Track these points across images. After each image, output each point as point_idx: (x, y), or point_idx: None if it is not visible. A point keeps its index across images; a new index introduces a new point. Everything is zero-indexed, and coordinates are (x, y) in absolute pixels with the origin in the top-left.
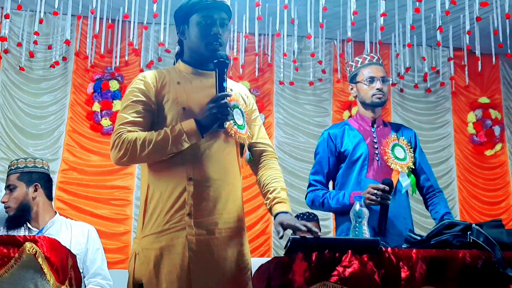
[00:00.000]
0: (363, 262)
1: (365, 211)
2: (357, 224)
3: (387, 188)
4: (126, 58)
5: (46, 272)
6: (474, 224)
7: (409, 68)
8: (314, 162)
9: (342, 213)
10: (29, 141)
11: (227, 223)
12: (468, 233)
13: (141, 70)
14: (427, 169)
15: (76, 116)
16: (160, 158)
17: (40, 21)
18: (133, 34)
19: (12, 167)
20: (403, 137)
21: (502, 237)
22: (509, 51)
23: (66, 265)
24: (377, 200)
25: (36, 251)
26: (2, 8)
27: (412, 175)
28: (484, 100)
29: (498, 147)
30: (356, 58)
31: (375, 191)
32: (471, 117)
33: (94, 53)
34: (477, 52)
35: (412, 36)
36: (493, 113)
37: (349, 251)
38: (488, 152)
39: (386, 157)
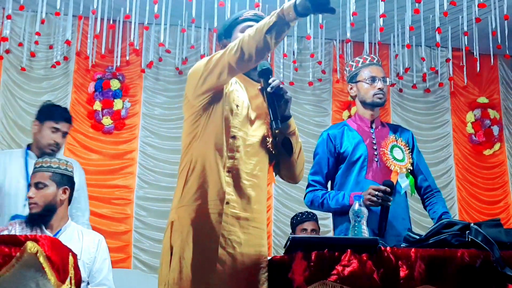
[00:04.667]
0: (362, 261)
1: (364, 210)
2: (356, 224)
3: (388, 189)
4: (127, 58)
5: (47, 271)
6: (472, 224)
7: (408, 68)
8: (313, 162)
9: (341, 213)
10: (30, 140)
11: (254, 221)
12: (467, 232)
13: (142, 70)
14: (424, 169)
15: (77, 115)
16: (261, 39)
17: (42, 22)
18: (134, 34)
19: (44, 165)
20: (401, 138)
21: (501, 236)
22: (507, 51)
23: (67, 264)
24: (377, 202)
25: (37, 250)
26: (4, 8)
27: (411, 176)
28: (482, 100)
29: (497, 146)
30: (357, 58)
31: (376, 193)
32: (470, 117)
33: (95, 53)
34: (476, 53)
35: (411, 37)
36: (492, 113)
37: (348, 250)
38: (487, 152)
39: (385, 158)
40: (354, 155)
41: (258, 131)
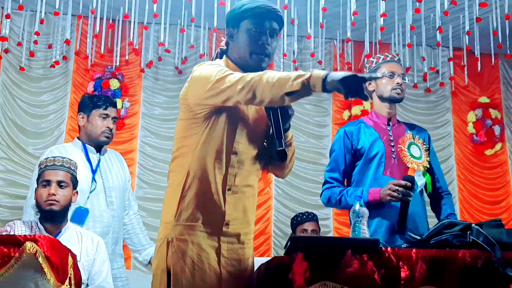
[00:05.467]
0: (363, 262)
1: (365, 211)
2: (356, 224)
3: (409, 184)
4: (127, 57)
5: (46, 272)
6: (474, 224)
7: (409, 68)
8: (330, 159)
9: None
10: (29, 140)
11: (251, 234)
12: (468, 232)
13: (142, 70)
14: (437, 171)
15: (76, 115)
16: (278, 95)
17: (41, 21)
18: (133, 34)
19: (65, 164)
20: (418, 136)
21: (502, 237)
22: (508, 51)
23: (66, 265)
24: (398, 197)
25: (36, 251)
26: (3, 8)
27: (428, 174)
28: (484, 99)
29: (498, 146)
30: (378, 55)
31: (397, 187)
32: (471, 116)
33: (94, 52)
34: (477, 52)
35: (412, 36)
36: (493, 112)
37: (349, 251)
38: (488, 152)
39: (402, 155)
40: (371, 152)
41: (256, 141)
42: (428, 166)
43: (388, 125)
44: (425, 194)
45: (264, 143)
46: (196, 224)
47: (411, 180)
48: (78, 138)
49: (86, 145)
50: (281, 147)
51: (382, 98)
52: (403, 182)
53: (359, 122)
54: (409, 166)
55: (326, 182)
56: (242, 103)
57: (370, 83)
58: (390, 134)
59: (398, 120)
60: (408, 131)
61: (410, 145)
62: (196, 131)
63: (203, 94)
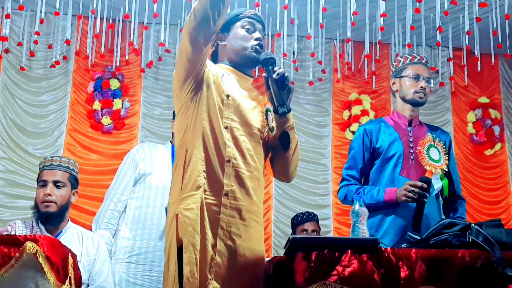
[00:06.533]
0: (362, 261)
1: (364, 210)
2: (356, 224)
3: (425, 185)
4: (127, 57)
5: (46, 272)
6: (473, 224)
7: None
8: (348, 156)
9: (374, 209)
10: (30, 140)
11: (255, 215)
12: (468, 232)
13: (142, 70)
14: (454, 175)
15: (77, 115)
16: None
17: (41, 21)
18: (134, 34)
19: (62, 164)
20: (439, 139)
21: (501, 237)
22: (508, 51)
23: (66, 265)
24: (414, 197)
25: (36, 251)
26: (3, 8)
27: (445, 178)
28: (483, 100)
29: (498, 146)
30: (406, 55)
31: (413, 188)
32: (471, 116)
33: (94, 52)
34: (477, 52)
35: (412, 36)
36: (493, 112)
37: (349, 250)
38: (488, 152)
39: (421, 158)
40: (389, 152)
41: (253, 122)
42: (446, 169)
43: (409, 126)
44: (442, 197)
45: (265, 131)
46: (198, 193)
47: (428, 181)
48: (170, 141)
49: (175, 147)
50: (284, 112)
51: (404, 100)
52: (419, 183)
53: (380, 121)
54: (427, 168)
55: (343, 179)
56: (194, 31)
57: (394, 83)
58: (410, 135)
59: (420, 122)
60: (429, 133)
61: (430, 147)
62: (188, 114)
63: (177, 71)
